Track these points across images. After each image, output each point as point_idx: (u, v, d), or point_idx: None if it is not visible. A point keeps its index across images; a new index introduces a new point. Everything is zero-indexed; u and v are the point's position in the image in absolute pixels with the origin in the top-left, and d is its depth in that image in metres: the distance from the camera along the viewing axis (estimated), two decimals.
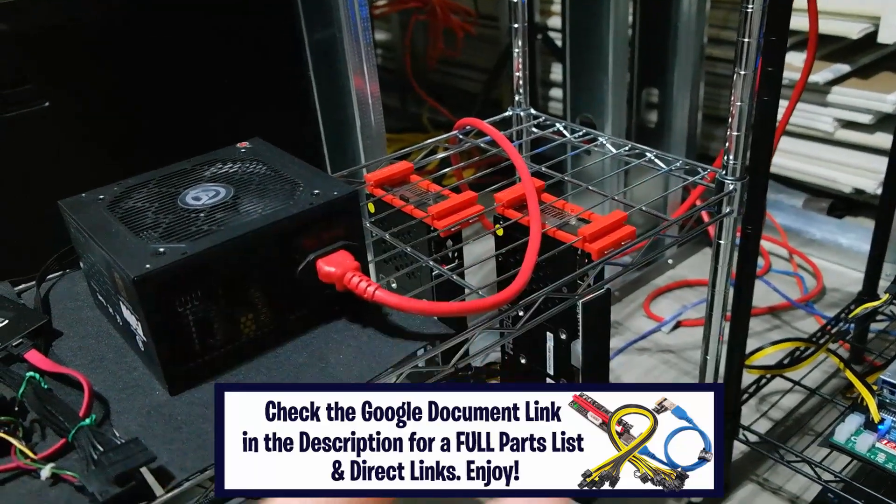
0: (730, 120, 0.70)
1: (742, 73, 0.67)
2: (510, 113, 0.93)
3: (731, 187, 0.72)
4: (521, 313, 0.63)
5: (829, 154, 1.41)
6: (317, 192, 0.56)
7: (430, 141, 0.87)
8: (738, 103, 0.69)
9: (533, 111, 0.92)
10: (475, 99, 1.83)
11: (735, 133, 0.70)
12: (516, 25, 0.88)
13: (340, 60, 0.88)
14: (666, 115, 1.35)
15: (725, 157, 0.72)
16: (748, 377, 0.92)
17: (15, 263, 0.67)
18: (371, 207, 0.77)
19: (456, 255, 0.74)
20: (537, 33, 1.60)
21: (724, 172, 0.73)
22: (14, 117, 0.81)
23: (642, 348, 1.21)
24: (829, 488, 0.83)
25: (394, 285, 0.77)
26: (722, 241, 0.75)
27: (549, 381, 0.74)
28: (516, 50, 0.89)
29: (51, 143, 0.84)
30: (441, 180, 0.77)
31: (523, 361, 0.77)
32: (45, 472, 0.45)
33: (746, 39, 0.66)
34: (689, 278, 1.37)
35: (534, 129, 0.92)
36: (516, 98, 0.92)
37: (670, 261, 1.41)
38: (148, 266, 0.48)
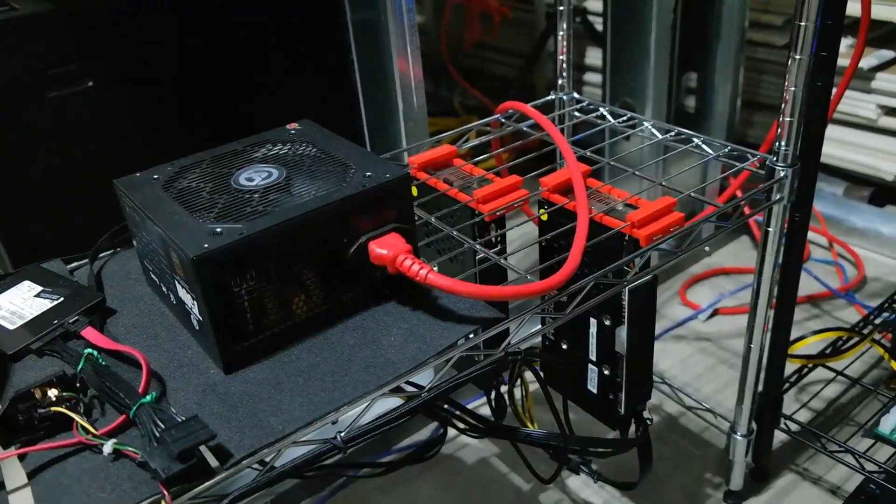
0: (783, 105, 0.69)
1: (797, 57, 0.66)
2: (553, 97, 0.92)
3: (783, 174, 0.71)
4: (563, 299, 0.62)
5: (872, 141, 1.38)
6: (369, 174, 0.56)
7: (472, 125, 0.86)
8: (792, 88, 0.68)
9: (576, 95, 0.92)
10: (508, 83, 1.82)
11: (788, 119, 0.69)
12: (561, 8, 0.87)
13: (384, 42, 0.88)
14: (706, 100, 1.33)
15: (776, 144, 0.71)
16: (789, 366, 0.91)
17: (61, 241, 0.68)
18: (413, 191, 0.76)
19: (499, 239, 0.74)
20: (576, 17, 1.58)
21: (774, 159, 0.72)
22: (58, 97, 0.82)
23: (679, 336, 1.20)
24: (871, 479, 0.83)
25: (435, 269, 0.77)
26: (771, 229, 0.74)
27: (591, 366, 0.74)
28: (561, 33, 0.88)
29: (94, 123, 0.84)
30: (476, 165, 0.77)
31: (564, 347, 0.77)
32: (108, 447, 0.45)
33: (803, 23, 0.65)
34: (725, 266, 1.35)
35: (576, 114, 0.91)
36: (559, 82, 0.92)
37: (707, 248, 1.39)
38: (206, 246, 0.48)
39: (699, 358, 1.15)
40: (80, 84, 0.83)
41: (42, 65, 0.80)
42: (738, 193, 1.24)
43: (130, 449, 0.45)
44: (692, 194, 0.71)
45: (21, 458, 0.47)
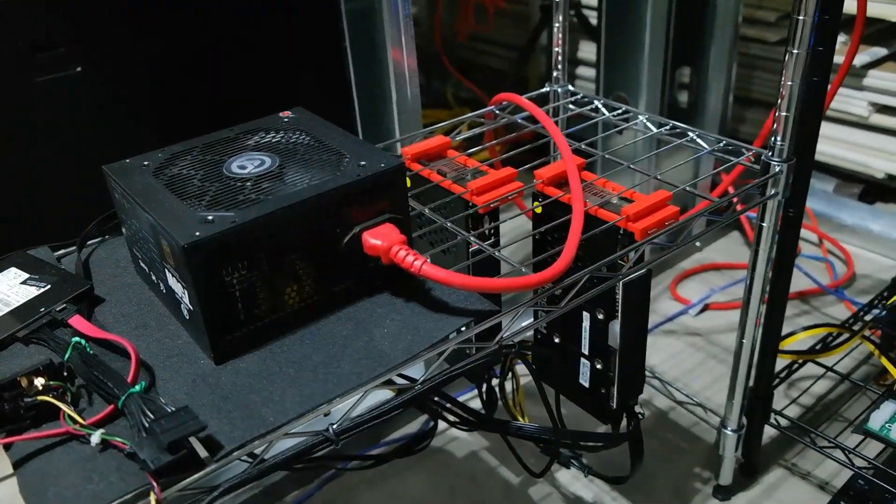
0: (779, 100, 0.69)
1: (795, 52, 0.66)
2: (547, 89, 0.92)
3: (778, 169, 0.70)
4: (557, 292, 0.62)
5: (863, 139, 1.39)
6: (363, 163, 0.56)
7: (467, 116, 0.86)
8: (789, 83, 0.67)
9: (571, 88, 0.91)
10: (501, 75, 1.81)
11: (784, 114, 0.69)
12: (558, 0, 0.86)
13: (378, 31, 0.87)
14: (699, 95, 1.33)
15: (772, 139, 0.71)
16: (779, 362, 0.91)
17: (48, 228, 0.67)
18: (407, 182, 0.76)
19: (492, 232, 0.73)
20: (570, 10, 1.58)
21: (770, 154, 0.71)
22: (46, 81, 0.81)
23: (669, 331, 1.20)
24: (860, 474, 0.83)
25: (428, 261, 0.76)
26: (765, 224, 0.73)
27: (583, 360, 0.74)
28: (556, 25, 0.87)
29: (82, 109, 0.83)
30: (470, 157, 0.76)
31: (557, 340, 0.77)
32: (96, 437, 0.45)
33: (801, 17, 0.64)
34: (716, 261, 1.35)
35: (570, 106, 0.91)
36: (554, 74, 0.91)
37: (698, 243, 1.39)
38: (198, 234, 0.48)
39: (689, 353, 1.15)
40: (69, 69, 0.82)
41: (29, 49, 0.78)
42: (731, 189, 1.24)
43: (119, 439, 0.44)
44: (687, 188, 0.70)
45: (6, 447, 0.46)
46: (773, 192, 0.72)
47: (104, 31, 0.83)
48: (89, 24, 0.81)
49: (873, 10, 1.29)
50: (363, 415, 0.52)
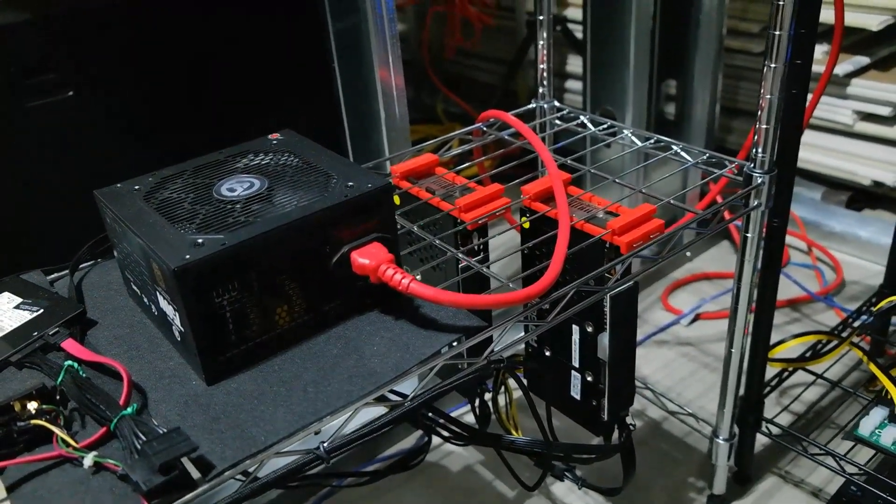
0: (759, 113, 0.70)
1: (773, 66, 0.67)
2: (534, 105, 0.93)
3: (760, 180, 0.72)
4: (545, 307, 0.63)
5: (849, 146, 1.40)
6: (351, 184, 0.56)
7: (454, 133, 0.87)
8: (768, 96, 0.68)
9: (557, 103, 0.92)
10: (490, 90, 1.82)
11: (764, 126, 0.70)
12: (541, 17, 0.87)
13: (365, 51, 0.88)
14: (685, 107, 1.34)
15: (753, 150, 0.72)
16: (770, 370, 0.92)
17: (41, 252, 0.68)
18: (396, 200, 0.77)
19: (481, 248, 0.74)
20: (556, 25, 1.60)
21: (752, 165, 0.72)
22: (38, 106, 0.81)
23: (661, 341, 1.21)
24: (852, 481, 0.83)
25: (418, 278, 0.77)
26: (749, 235, 0.74)
27: (574, 372, 0.74)
28: (541, 42, 0.89)
29: (75, 133, 0.84)
30: (458, 173, 0.77)
31: (548, 353, 0.78)
32: (88, 460, 0.45)
33: (777, 32, 0.66)
34: (706, 271, 1.36)
35: (557, 122, 0.92)
36: (540, 90, 0.92)
37: (688, 253, 1.40)
38: (188, 257, 0.48)
39: (681, 363, 1.16)
40: (61, 93, 0.83)
41: (21, 73, 0.79)
42: (719, 199, 1.25)
43: (111, 461, 0.45)
44: (672, 202, 0.71)
45: (0, 471, 0.46)
46: (756, 202, 0.73)
47: (95, 55, 0.84)
48: (80, 48, 0.82)
49: (855, 20, 1.31)
50: (355, 432, 0.52)
